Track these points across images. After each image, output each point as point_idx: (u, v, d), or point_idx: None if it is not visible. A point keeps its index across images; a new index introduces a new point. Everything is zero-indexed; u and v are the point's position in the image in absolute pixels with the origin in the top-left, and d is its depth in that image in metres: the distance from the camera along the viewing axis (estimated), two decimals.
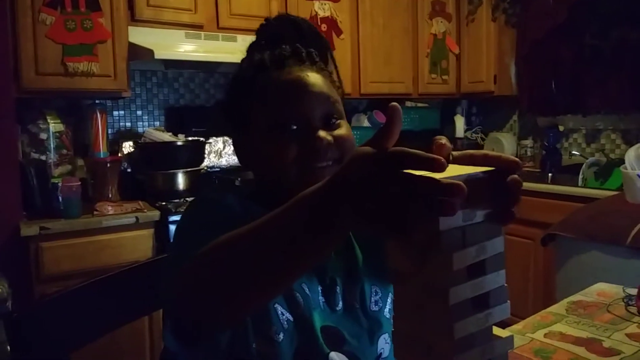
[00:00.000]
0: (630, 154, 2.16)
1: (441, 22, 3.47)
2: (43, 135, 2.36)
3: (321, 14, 2.98)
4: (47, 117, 2.37)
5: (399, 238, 0.47)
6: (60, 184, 2.16)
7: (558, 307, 1.18)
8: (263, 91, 0.81)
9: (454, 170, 0.52)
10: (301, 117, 0.79)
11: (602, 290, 1.28)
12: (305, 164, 0.79)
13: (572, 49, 3.06)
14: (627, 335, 1.02)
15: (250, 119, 0.83)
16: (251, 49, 0.89)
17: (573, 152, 3.23)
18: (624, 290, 1.25)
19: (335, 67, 0.92)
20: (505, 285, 0.55)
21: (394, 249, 0.55)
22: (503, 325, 0.58)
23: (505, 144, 3.51)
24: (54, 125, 2.37)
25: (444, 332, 0.50)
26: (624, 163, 2.29)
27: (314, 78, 0.82)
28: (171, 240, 0.85)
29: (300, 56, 0.83)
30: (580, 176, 2.86)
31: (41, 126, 2.36)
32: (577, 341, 1.00)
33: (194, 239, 0.67)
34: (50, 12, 2.21)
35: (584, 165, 2.89)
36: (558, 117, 3.33)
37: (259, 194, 0.85)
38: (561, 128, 3.32)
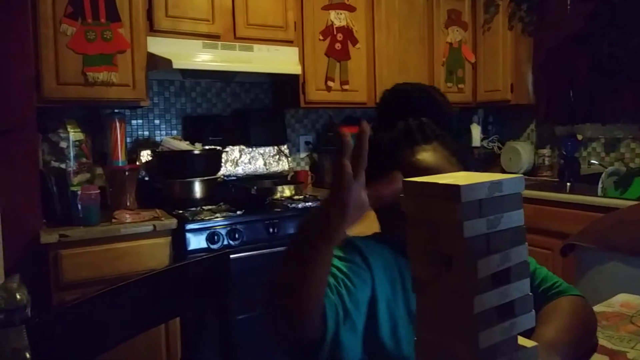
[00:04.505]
0: None
1: (457, 30, 3.46)
2: (63, 144, 2.39)
3: (337, 23, 3.00)
4: (67, 126, 2.40)
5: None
6: (79, 192, 2.18)
7: None
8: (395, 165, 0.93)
9: (473, 178, 0.51)
10: None
11: (625, 301, 1.25)
12: None
13: (590, 57, 3.03)
14: None
15: None
16: (379, 121, 1.06)
17: (592, 161, 3.19)
18: None
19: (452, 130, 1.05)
20: (530, 294, 0.54)
21: (418, 256, 0.54)
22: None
23: (523, 153, 3.47)
24: (74, 134, 2.40)
25: (469, 341, 0.50)
26: None
27: (431, 159, 0.95)
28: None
29: (424, 133, 0.98)
30: (600, 186, 2.82)
31: (61, 135, 2.40)
32: (601, 350, 0.98)
33: None
34: (71, 22, 2.25)
35: (603, 175, 2.85)
36: (576, 126, 3.29)
37: (388, 240, 0.99)
38: (579, 137, 3.28)
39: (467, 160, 1.05)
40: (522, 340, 0.54)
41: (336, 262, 0.89)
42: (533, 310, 0.54)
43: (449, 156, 0.97)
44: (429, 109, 1.02)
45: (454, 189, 0.48)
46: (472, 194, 0.48)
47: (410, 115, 1.01)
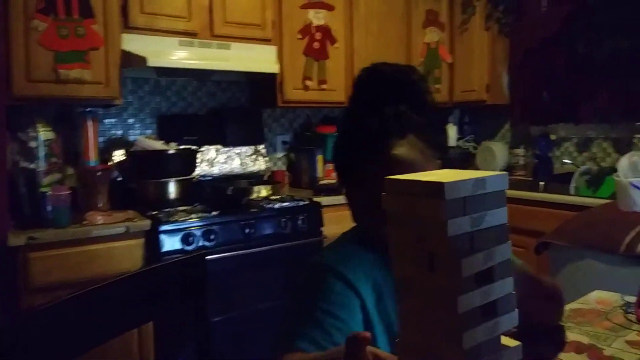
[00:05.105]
0: (624, 163, 2.17)
1: (434, 31, 3.48)
2: (32, 144, 2.32)
3: (315, 22, 2.98)
4: (37, 125, 2.33)
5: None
6: (49, 193, 2.13)
7: None
8: (368, 164, 0.93)
9: (457, 175, 0.50)
10: None
11: (601, 298, 1.27)
12: None
13: (565, 58, 3.08)
14: (628, 342, 1.01)
15: (360, 180, 0.95)
16: (354, 104, 1.01)
17: (565, 160, 3.24)
18: (622, 298, 1.24)
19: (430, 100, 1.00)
20: (514, 292, 0.53)
21: (400, 256, 0.53)
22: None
23: (498, 152, 3.51)
24: (44, 133, 2.33)
25: (453, 341, 0.49)
26: (615, 171, 2.30)
27: (406, 154, 0.92)
28: (290, 304, 0.96)
29: (400, 124, 0.93)
30: (572, 184, 2.87)
31: (31, 134, 2.33)
32: (578, 348, 0.99)
33: (308, 319, 0.85)
34: (42, 18, 2.19)
35: (575, 174, 2.90)
36: (550, 126, 3.34)
37: (364, 239, 0.98)
38: (553, 137, 3.34)
39: (443, 150, 1.02)
40: (505, 340, 0.54)
41: (319, 313, 0.85)
42: (516, 309, 0.53)
43: (424, 149, 0.94)
44: (407, 93, 0.97)
45: (438, 186, 0.47)
46: (456, 192, 0.47)
47: (386, 98, 0.95)
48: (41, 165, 2.30)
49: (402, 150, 0.92)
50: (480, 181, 0.49)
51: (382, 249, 0.93)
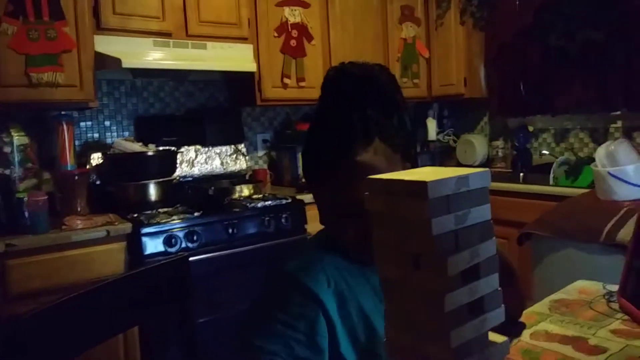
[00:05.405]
0: (601, 152, 2.20)
1: (411, 26, 3.49)
2: (7, 149, 2.27)
3: (291, 20, 2.97)
4: (11, 130, 2.28)
5: None
6: (26, 199, 2.08)
7: (541, 306, 1.19)
8: (332, 169, 0.90)
9: (439, 173, 0.50)
10: (355, 205, 0.80)
11: (583, 287, 1.29)
12: (363, 244, 0.79)
13: (539, 50, 3.12)
14: (612, 331, 1.03)
15: (324, 185, 0.94)
16: (321, 106, 0.98)
17: (543, 151, 3.28)
18: (604, 287, 1.26)
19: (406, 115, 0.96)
20: (499, 288, 0.53)
21: (384, 256, 0.53)
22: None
23: (477, 145, 3.54)
24: (18, 139, 2.28)
25: (441, 340, 0.49)
26: (593, 161, 2.33)
27: (370, 160, 0.88)
28: (250, 311, 0.94)
29: (366, 129, 0.89)
30: (551, 175, 2.91)
31: (4, 140, 2.27)
32: (563, 340, 1.00)
33: (269, 332, 0.83)
34: (12, 21, 2.13)
35: (554, 164, 2.94)
36: (527, 118, 3.38)
37: (330, 242, 0.96)
38: (530, 128, 3.37)
39: (412, 152, 0.97)
40: (492, 336, 0.54)
41: (280, 326, 0.84)
42: (502, 305, 0.53)
43: (390, 154, 0.90)
44: (375, 95, 0.93)
45: (421, 185, 0.47)
46: (439, 190, 0.47)
47: (353, 101, 0.92)
48: (16, 171, 2.25)
49: (366, 156, 0.88)
50: (463, 179, 0.49)
51: (346, 253, 0.92)
